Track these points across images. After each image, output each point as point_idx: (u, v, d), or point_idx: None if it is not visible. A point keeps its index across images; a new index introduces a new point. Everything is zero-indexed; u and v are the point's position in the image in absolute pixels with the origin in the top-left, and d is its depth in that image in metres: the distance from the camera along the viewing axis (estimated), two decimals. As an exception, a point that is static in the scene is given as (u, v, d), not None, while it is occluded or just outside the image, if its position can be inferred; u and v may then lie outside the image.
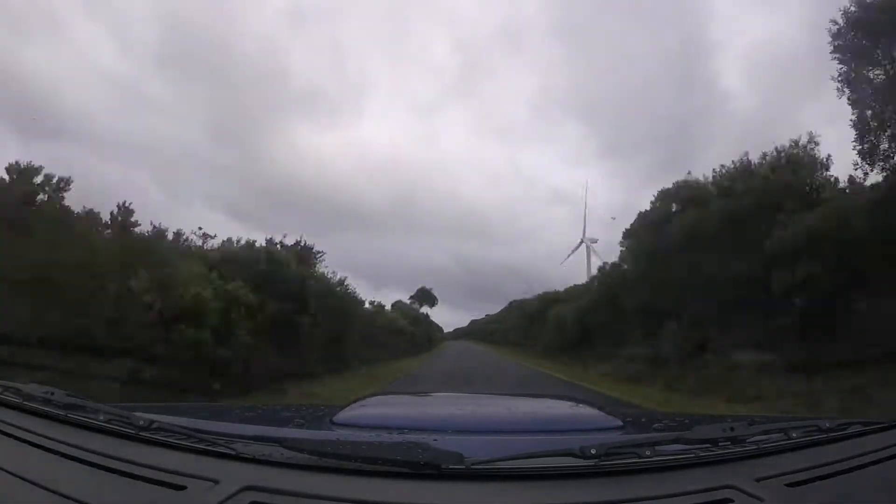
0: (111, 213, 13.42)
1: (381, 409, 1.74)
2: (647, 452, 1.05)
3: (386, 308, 34.86)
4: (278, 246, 16.53)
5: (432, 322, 66.53)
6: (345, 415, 1.48)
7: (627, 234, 19.03)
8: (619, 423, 1.44)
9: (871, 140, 10.44)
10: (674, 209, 16.35)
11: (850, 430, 1.25)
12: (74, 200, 12.32)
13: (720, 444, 1.11)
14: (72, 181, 12.63)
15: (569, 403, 1.84)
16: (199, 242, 14.82)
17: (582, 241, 53.77)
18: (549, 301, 31.59)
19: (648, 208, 17.80)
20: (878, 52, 10.36)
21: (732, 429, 1.14)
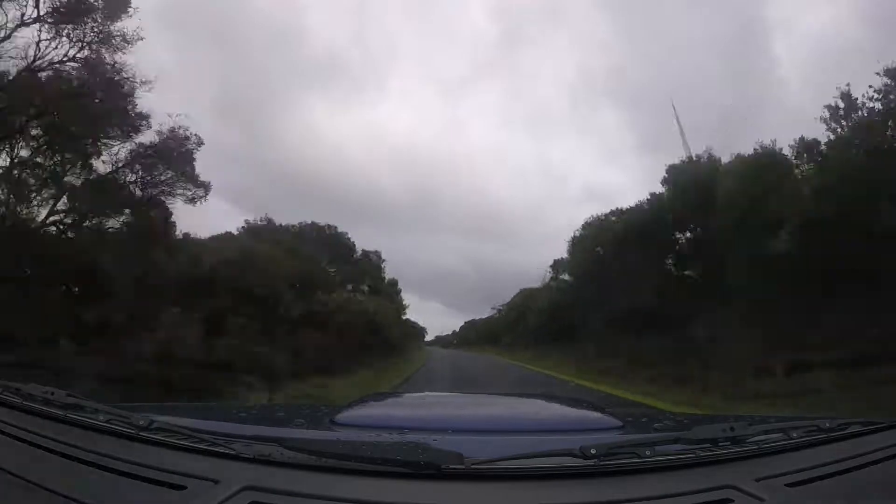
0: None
1: (380, 409, 1.74)
2: (647, 452, 1.05)
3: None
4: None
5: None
6: (345, 415, 1.48)
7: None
8: (619, 423, 1.44)
9: None
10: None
11: (850, 430, 1.25)
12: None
13: (720, 444, 1.11)
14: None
15: (569, 403, 1.84)
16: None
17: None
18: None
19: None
20: None
21: (732, 429, 1.14)
